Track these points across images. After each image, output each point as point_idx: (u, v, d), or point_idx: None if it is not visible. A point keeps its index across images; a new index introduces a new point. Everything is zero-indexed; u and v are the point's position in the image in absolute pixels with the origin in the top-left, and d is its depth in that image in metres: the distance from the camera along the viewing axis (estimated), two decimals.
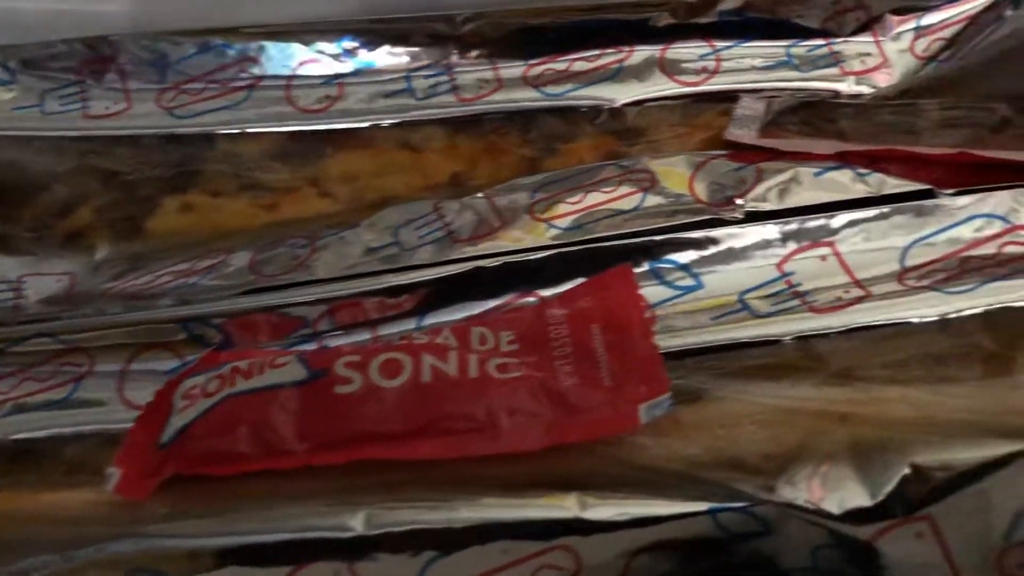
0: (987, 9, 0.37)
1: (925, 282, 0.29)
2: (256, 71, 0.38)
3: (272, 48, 0.39)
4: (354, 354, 0.27)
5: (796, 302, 0.29)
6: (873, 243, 0.30)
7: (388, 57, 0.39)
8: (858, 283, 0.29)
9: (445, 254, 0.31)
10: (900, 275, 0.29)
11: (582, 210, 0.32)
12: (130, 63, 0.38)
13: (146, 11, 0.40)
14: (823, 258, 0.30)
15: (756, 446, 0.25)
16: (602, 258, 0.30)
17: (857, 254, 0.30)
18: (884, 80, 0.37)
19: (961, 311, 0.28)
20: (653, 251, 0.31)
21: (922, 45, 0.37)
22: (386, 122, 0.37)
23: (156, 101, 0.38)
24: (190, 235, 0.35)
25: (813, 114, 0.34)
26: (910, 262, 0.29)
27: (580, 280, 0.30)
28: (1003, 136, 0.32)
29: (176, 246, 0.34)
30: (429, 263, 0.31)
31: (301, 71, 0.38)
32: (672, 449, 0.26)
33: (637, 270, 0.30)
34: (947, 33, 0.37)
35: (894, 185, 0.31)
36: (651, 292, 0.30)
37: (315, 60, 0.39)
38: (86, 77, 0.38)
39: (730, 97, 0.37)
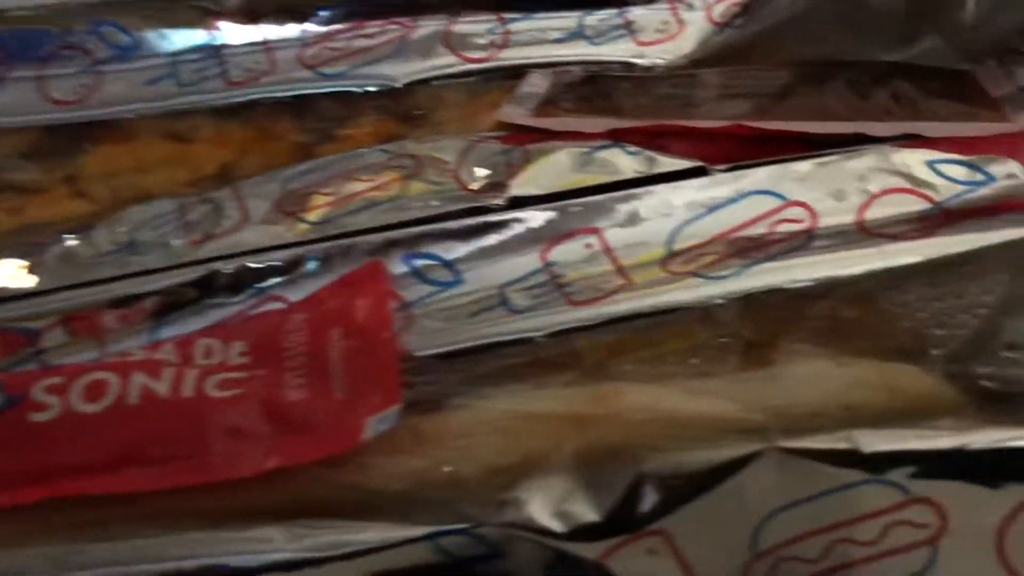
0: None
1: (690, 267, 0.27)
2: (5, 60, 0.35)
3: (23, 35, 0.35)
4: (57, 376, 0.25)
5: (556, 294, 0.27)
6: (640, 228, 0.28)
7: (150, 41, 0.36)
8: (621, 271, 0.27)
9: (180, 256, 0.28)
10: (665, 261, 0.27)
11: (337, 202, 0.29)
12: None
13: None
14: (588, 246, 0.27)
15: (489, 459, 0.23)
16: (356, 254, 0.28)
17: (623, 240, 0.27)
18: (680, 49, 0.35)
19: (723, 297, 0.26)
20: (411, 245, 0.28)
21: (719, 10, 0.35)
22: (149, 111, 0.34)
23: None
24: None
25: (590, 91, 0.32)
26: (678, 246, 0.27)
27: (330, 280, 0.28)
28: (785, 105, 0.30)
29: None
30: (163, 267, 0.28)
31: (55, 59, 0.35)
32: (402, 467, 0.23)
33: (393, 266, 0.28)
34: None
35: (666, 164, 0.29)
36: (406, 290, 0.27)
37: (70, 47, 0.35)
38: None
39: (520, 74, 0.34)
